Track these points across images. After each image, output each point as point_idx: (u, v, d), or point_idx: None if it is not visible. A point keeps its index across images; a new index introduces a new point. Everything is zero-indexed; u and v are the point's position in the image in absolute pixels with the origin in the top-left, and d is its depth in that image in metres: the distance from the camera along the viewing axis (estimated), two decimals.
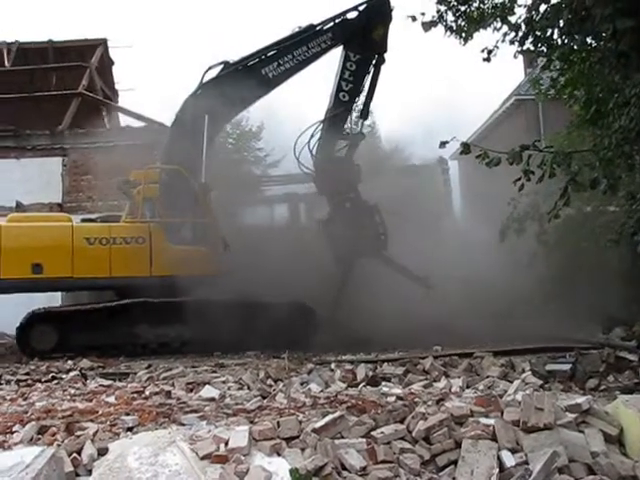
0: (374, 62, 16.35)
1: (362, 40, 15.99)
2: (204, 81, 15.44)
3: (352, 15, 16.21)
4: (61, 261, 14.05)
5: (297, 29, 15.99)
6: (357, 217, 16.08)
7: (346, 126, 16.90)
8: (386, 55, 16.31)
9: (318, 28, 15.94)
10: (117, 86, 27.61)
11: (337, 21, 16.05)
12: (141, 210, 14.81)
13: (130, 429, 5.82)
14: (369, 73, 16.40)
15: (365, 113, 17.13)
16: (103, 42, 25.54)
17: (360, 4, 16.16)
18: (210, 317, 12.57)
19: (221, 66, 15.58)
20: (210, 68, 15.53)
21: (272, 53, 15.76)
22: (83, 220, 15.75)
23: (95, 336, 13.49)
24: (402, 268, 15.88)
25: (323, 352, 12.52)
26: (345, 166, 16.42)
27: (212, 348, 12.91)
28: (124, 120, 25.94)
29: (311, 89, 18.11)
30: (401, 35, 16.80)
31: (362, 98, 16.83)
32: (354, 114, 17.37)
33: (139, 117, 23.65)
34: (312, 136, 16.33)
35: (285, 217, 21.61)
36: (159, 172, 15.09)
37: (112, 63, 26.73)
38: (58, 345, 13.59)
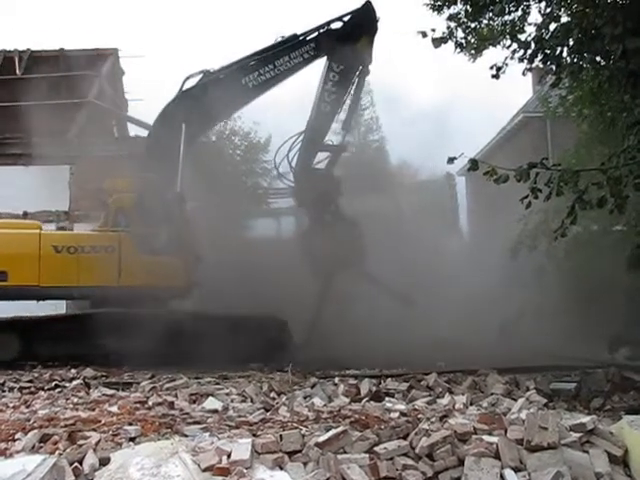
0: (358, 73, 16.13)
1: (346, 51, 15.73)
2: (183, 90, 15.23)
3: (336, 25, 16.01)
4: (27, 269, 13.83)
5: (280, 39, 15.76)
6: (337, 231, 15.86)
7: (327, 138, 16.64)
8: (371, 67, 16.11)
9: (301, 38, 15.72)
10: (127, 96, 27.75)
11: (321, 31, 15.86)
12: (113, 219, 14.59)
13: (132, 439, 5.80)
14: (353, 84, 16.18)
15: (347, 125, 16.91)
16: (114, 52, 25.70)
17: (345, 14, 16.00)
18: (175, 329, 12.31)
19: (201, 75, 15.33)
20: (189, 77, 15.32)
21: (253, 63, 15.49)
22: (59, 228, 15.47)
23: (58, 346, 13.17)
24: (382, 284, 15.71)
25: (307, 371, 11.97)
26: (325, 178, 16.23)
27: (176, 361, 12.05)
28: (133, 130, 26.07)
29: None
30: (407, 49, 16.78)
31: (345, 109, 16.59)
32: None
33: (148, 127, 23.72)
34: (291, 148, 16.20)
35: (287, 230, 21.60)
36: (133, 181, 14.82)
37: (122, 73, 26.88)
38: (20, 355, 13.26)
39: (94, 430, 6.08)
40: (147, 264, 13.98)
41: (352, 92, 16.32)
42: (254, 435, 5.76)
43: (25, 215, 19.60)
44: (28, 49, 24.94)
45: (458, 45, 9.97)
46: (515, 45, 8.84)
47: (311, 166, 16.34)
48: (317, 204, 16.25)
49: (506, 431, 5.59)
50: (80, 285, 13.87)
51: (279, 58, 15.50)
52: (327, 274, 15.69)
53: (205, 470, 4.99)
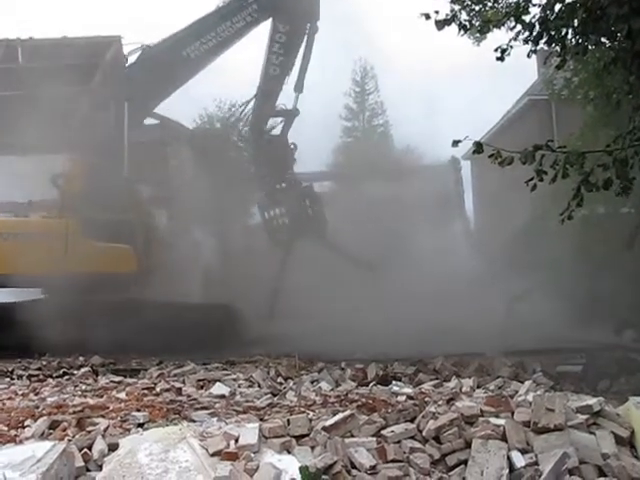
0: (306, 32, 15.45)
1: (291, 10, 15.09)
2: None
3: None
4: None
5: (221, 4, 15.08)
6: (293, 198, 15.54)
7: (279, 102, 16.05)
8: (319, 23, 15.44)
9: (242, 1, 14.98)
10: None
11: None
12: (63, 204, 13.97)
13: (141, 425, 5.83)
14: (301, 44, 15.52)
15: (300, 86, 16.02)
16: (117, 39, 25.58)
17: None
18: (119, 317, 11.87)
19: (140, 51, 14.97)
20: (129, 54, 15.06)
21: (193, 32, 14.80)
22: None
23: None
24: (344, 252, 15.36)
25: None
26: (279, 145, 15.77)
27: (119, 349, 11.67)
28: None
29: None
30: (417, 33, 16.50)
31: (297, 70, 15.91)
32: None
33: (152, 114, 23.63)
34: (241, 114, 15.96)
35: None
36: (82, 165, 14.27)
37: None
38: None
39: (102, 416, 6.12)
40: (95, 251, 13.44)
41: (302, 52, 15.69)
42: (261, 420, 5.78)
43: (30, 204, 19.53)
44: (30, 37, 24.85)
45: (462, 27, 9.88)
46: (520, 27, 8.78)
47: (264, 132, 15.90)
48: (272, 171, 15.82)
49: (513, 413, 5.60)
50: (24, 273, 13.04)
51: (221, 24, 14.83)
52: (287, 243, 15.33)
53: (213, 455, 5.02)
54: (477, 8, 9.86)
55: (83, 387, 8.70)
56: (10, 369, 10.58)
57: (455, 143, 7.07)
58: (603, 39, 8.08)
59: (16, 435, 5.67)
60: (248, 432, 5.24)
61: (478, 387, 8.16)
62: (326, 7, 15.43)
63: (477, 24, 9.96)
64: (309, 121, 16.47)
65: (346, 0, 15.99)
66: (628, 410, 5.64)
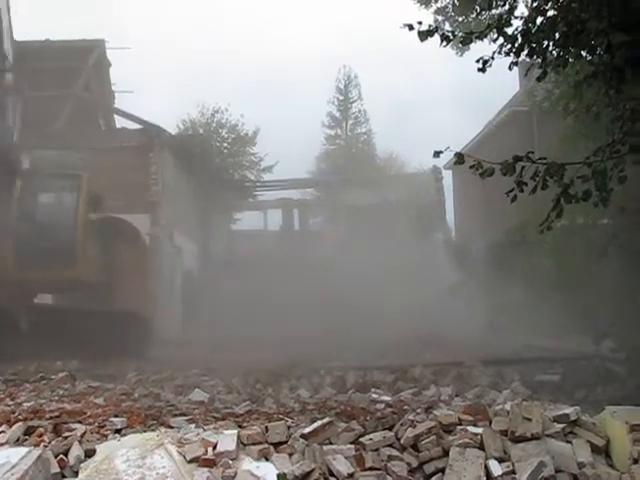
0: None
1: None
2: None
3: None
4: None
5: None
6: None
7: None
8: None
9: None
10: (113, 88, 27.61)
11: None
12: None
13: (118, 431, 5.78)
14: None
15: None
16: (100, 43, 25.53)
17: None
18: None
19: None
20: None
21: None
22: None
23: None
24: None
25: None
26: None
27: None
28: (120, 122, 25.97)
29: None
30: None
31: None
32: None
33: (135, 119, 23.63)
34: None
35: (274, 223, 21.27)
36: None
37: (109, 65, 26.73)
38: None
39: (80, 422, 6.05)
40: None
41: None
42: (240, 426, 5.76)
43: None
44: (14, 40, 24.73)
45: (445, 38, 9.95)
46: (502, 39, 8.85)
47: None
48: None
49: (491, 422, 5.63)
50: None
51: None
52: None
53: (191, 461, 5.01)
54: (460, 19, 9.96)
55: (60, 392, 8.62)
56: None
57: (437, 154, 7.11)
58: (583, 52, 8.17)
59: None
60: (226, 439, 5.23)
61: (457, 395, 8.21)
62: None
63: (460, 35, 10.04)
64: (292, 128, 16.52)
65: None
66: (604, 419, 5.69)
